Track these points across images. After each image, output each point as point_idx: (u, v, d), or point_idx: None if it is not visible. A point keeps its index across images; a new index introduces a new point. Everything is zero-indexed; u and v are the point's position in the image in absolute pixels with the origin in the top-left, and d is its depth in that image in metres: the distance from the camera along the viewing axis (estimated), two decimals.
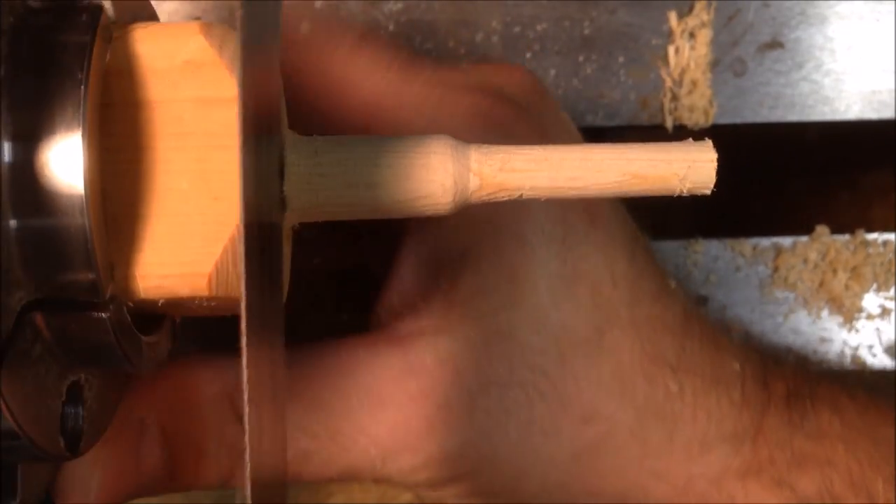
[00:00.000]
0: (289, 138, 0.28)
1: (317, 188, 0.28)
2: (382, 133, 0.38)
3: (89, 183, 0.25)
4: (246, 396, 0.22)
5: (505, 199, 0.28)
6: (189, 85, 0.27)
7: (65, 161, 0.25)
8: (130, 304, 0.27)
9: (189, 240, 0.26)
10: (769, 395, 0.42)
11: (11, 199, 0.24)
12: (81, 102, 0.25)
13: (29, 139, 0.25)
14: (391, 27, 0.47)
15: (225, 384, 0.36)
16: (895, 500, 0.41)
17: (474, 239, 0.38)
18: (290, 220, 0.28)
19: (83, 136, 0.25)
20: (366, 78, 0.37)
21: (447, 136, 0.28)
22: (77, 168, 0.25)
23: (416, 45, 0.48)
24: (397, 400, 0.37)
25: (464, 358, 0.37)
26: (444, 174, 0.28)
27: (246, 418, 0.22)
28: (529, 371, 0.38)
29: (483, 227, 0.38)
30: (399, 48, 0.39)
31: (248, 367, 0.21)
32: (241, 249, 0.22)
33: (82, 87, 0.25)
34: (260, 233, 0.24)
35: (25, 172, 0.25)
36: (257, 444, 0.22)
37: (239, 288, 0.24)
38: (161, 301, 0.27)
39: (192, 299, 0.27)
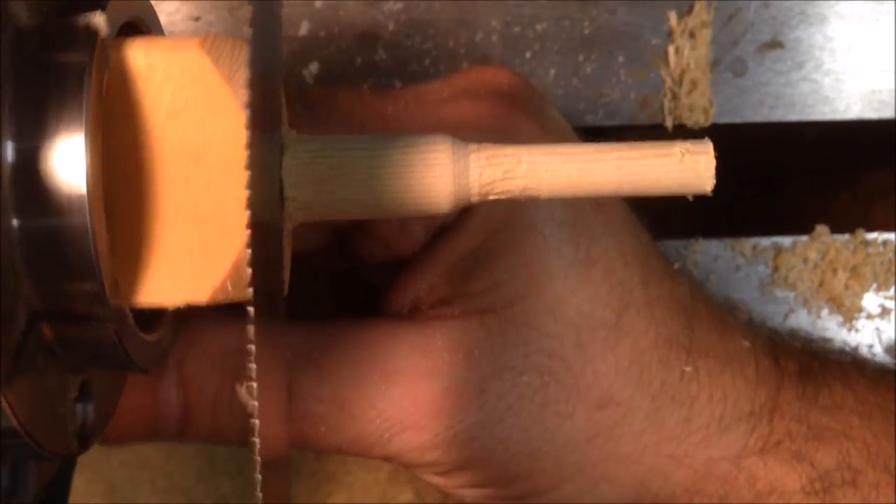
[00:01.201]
0: (288, 136, 0.28)
1: (315, 186, 0.28)
2: None
3: (93, 201, 0.25)
4: (255, 396, 0.22)
5: (505, 194, 0.28)
6: (190, 104, 0.27)
7: (69, 170, 0.25)
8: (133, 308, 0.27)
9: (192, 260, 0.27)
10: (782, 371, 0.42)
11: (16, 208, 0.24)
12: (84, 118, 0.25)
13: (31, 148, 0.25)
14: (391, 27, 0.47)
15: (243, 340, 0.36)
16: None
17: (487, 234, 0.38)
18: (291, 220, 0.28)
19: (86, 143, 0.25)
20: (341, 115, 0.38)
21: (448, 137, 0.28)
22: (80, 181, 0.25)
23: (416, 44, 0.48)
24: (407, 376, 0.37)
25: (477, 343, 0.38)
26: (444, 166, 0.28)
27: (255, 417, 0.22)
28: (546, 357, 0.38)
29: (495, 222, 0.38)
30: (370, 89, 0.39)
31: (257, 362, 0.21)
32: (245, 271, 0.22)
33: (83, 109, 0.25)
34: (262, 233, 0.24)
35: (29, 179, 0.25)
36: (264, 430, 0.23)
37: (240, 297, 0.25)
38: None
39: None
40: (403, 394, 0.37)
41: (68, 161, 0.25)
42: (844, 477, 0.41)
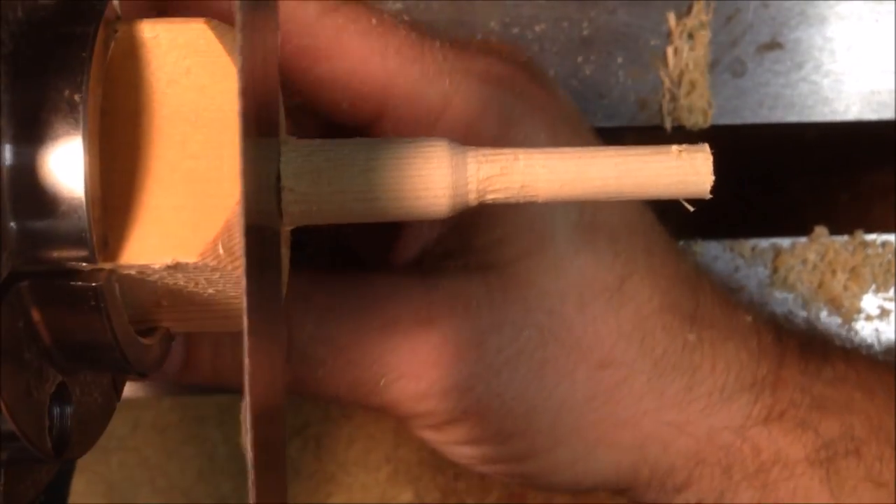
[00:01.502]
0: (286, 140, 0.28)
1: (312, 188, 0.28)
2: (398, 107, 0.38)
3: (88, 158, 0.25)
4: (248, 408, 0.22)
5: (502, 193, 0.28)
6: (192, 71, 0.27)
7: (64, 138, 0.25)
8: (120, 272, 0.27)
9: (184, 218, 0.27)
10: (784, 346, 0.43)
11: (11, 188, 0.24)
12: (84, 80, 0.25)
13: (31, 117, 0.25)
14: None
15: None
16: None
17: None
18: (288, 223, 0.28)
19: (83, 126, 0.25)
20: (379, 55, 0.38)
21: (445, 138, 0.28)
22: (77, 147, 0.25)
23: None
24: (406, 325, 0.37)
25: (478, 296, 0.38)
26: (441, 159, 0.28)
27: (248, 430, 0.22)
28: (546, 314, 0.38)
29: None
30: (410, 25, 0.39)
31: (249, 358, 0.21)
32: (238, 232, 0.22)
33: (86, 62, 0.25)
34: (258, 234, 0.24)
35: (26, 164, 0.25)
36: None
37: (232, 263, 0.25)
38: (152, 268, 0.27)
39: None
40: (402, 341, 0.37)
41: (65, 138, 0.25)
42: (848, 447, 0.41)
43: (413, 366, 0.38)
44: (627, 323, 0.40)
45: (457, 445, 0.40)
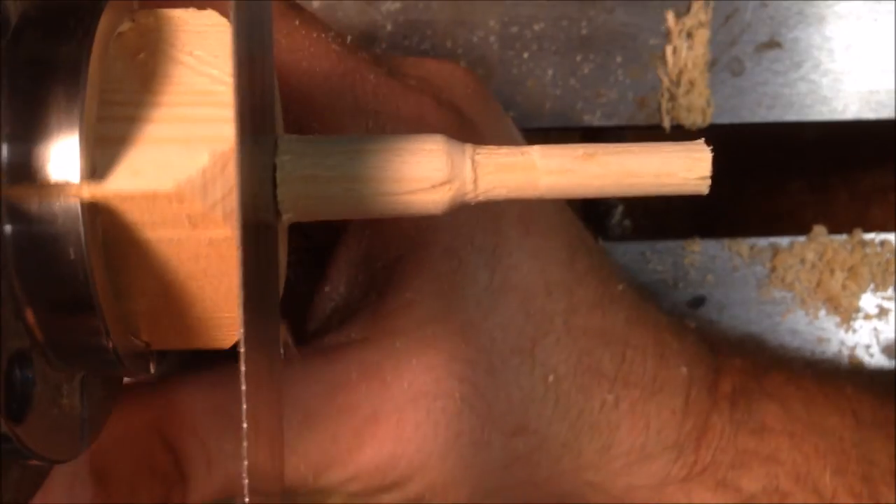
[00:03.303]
0: (282, 137, 0.28)
1: (309, 184, 0.28)
2: (333, 123, 0.37)
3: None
4: (245, 421, 0.22)
5: (500, 192, 0.28)
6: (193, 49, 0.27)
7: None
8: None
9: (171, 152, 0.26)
10: (715, 396, 0.42)
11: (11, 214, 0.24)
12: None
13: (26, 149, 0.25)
14: (389, 27, 0.47)
15: (152, 414, 0.35)
16: (843, 490, 0.41)
17: (404, 251, 0.37)
18: (285, 220, 0.28)
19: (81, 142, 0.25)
20: (307, 78, 0.36)
21: (442, 134, 0.28)
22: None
23: (414, 45, 0.48)
24: (324, 415, 0.37)
25: (389, 370, 0.37)
26: (440, 161, 0.28)
27: (244, 441, 0.22)
28: (458, 382, 0.38)
29: (413, 240, 0.37)
30: (348, 48, 0.38)
31: (246, 382, 0.21)
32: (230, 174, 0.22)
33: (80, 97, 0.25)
34: (256, 231, 0.24)
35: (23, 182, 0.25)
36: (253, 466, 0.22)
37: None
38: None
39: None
40: (323, 434, 0.37)
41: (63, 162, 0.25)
42: (772, 499, 0.41)
43: (337, 455, 0.37)
44: (540, 386, 0.39)
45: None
